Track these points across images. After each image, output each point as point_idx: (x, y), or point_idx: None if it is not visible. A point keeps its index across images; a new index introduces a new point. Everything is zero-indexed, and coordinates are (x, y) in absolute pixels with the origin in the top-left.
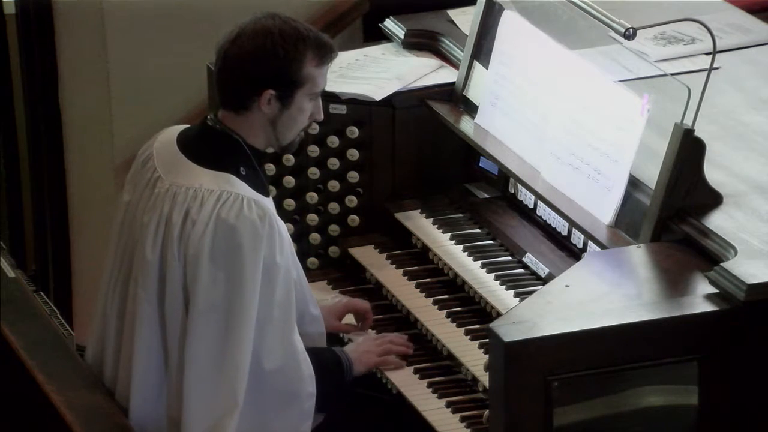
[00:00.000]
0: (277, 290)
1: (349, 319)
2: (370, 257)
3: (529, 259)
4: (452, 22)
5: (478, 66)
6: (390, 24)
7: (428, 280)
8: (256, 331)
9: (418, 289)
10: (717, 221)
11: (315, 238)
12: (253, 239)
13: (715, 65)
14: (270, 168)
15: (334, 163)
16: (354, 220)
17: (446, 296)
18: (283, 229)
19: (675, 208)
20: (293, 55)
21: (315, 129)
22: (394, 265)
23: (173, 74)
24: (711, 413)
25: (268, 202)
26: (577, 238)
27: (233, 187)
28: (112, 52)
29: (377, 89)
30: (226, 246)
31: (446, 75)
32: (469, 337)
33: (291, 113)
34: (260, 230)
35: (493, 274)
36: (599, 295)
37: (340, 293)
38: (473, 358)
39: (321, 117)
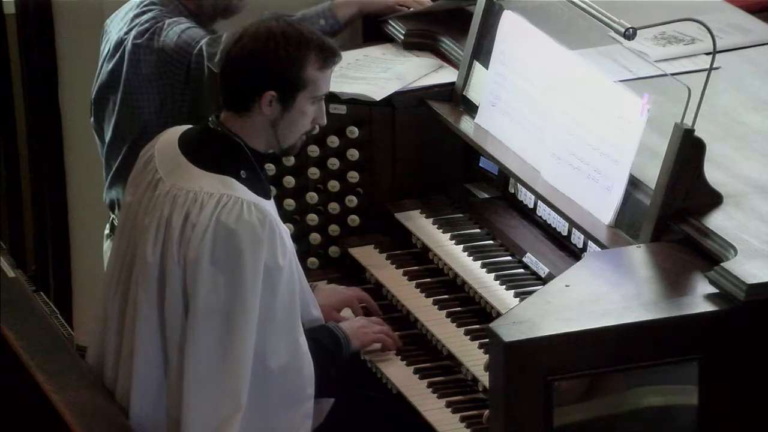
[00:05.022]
0: (279, 292)
1: (346, 311)
2: (370, 257)
3: (529, 259)
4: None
5: (478, 66)
6: (390, 24)
7: (428, 280)
8: (260, 333)
9: (418, 289)
10: (717, 221)
11: (315, 238)
12: (253, 243)
13: (715, 65)
14: (270, 168)
15: (334, 163)
16: (354, 220)
17: (446, 296)
18: (285, 231)
19: (675, 208)
20: (295, 58)
21: (315, 129)
22: (394, 265)
23: None
24: (711, 413)
25: (269, 205)
26: (577, 238)
27: (233, 191)
28: None
29: (377, 89)
30: (226, 250)
31: (446, 75)
32: (469, 337)
33: (292, 116)
34: (260, 234)
35: (493, 274)
36: (599, 295)
37: None
38: (473, 358)
39: (324, 121)
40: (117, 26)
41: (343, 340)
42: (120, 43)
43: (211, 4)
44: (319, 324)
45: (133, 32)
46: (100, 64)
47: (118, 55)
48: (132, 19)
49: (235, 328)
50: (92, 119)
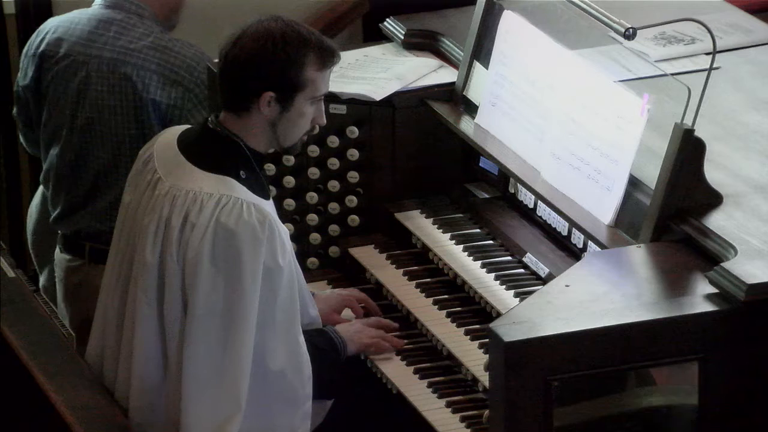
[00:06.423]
0: (280, 292)
1: (347, 312)
2: (370, 257)
3: (529, 259)
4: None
5: (478, 66)
6: (390, 24)
7: (428, 280)
8: (259, 333)
9: (418, 289)
10: (717, 221)
11: (315, 238)
12: (252, 244)
13: (715, 65)
14: (270, 168)
15: (334, 163)
16: (354, 220)
17: (446, 296)
18: (284, 232)
19: (675, 208)
20: (294, 58)
21: (315, 129)
22: (394, 265)
23: None
24: (711, 413)
25: (269, 205)
26: (577, 238)
27: (233, 191)
28: None
29: (377, 89)
30: (226, 251)
31: (446, 75)
32: (469, 337)
33: (291, 116)
34: (260, 234)
35: (493, 274)
36: (599, 295)
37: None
38: (473, 358)
39: (324, 121)
40: (71, 37)
41: (339, 344)
42: (85, 62)
43: (176, 21)
44: (317, 326)
45: (139, 53)
46: (28, 76)
47: (84, 73)
48: (100, 35)
49: (235, 328)
50: (26, 138)
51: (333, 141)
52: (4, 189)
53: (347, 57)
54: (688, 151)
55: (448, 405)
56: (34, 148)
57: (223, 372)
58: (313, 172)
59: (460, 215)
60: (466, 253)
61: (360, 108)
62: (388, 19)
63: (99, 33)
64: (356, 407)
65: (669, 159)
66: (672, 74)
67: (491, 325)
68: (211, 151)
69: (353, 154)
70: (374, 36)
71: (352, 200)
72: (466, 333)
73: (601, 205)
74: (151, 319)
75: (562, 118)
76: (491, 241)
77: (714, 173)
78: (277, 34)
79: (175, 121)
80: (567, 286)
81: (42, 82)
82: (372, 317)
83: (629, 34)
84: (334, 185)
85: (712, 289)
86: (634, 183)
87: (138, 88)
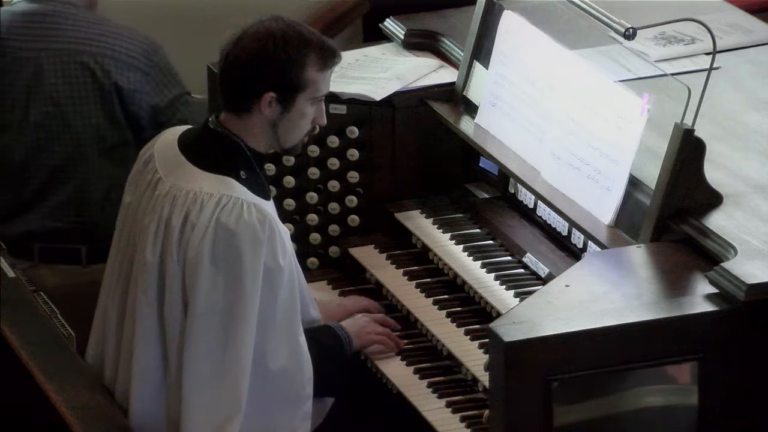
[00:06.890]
0: (280, 292)
1: None
2: (370, 257)
3: (529, 259)
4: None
5: (478, 66)
6: (390, 24)
7: (428, 280)
8: (260, 333)
9: (418, 289)
10: (717, 221)
11: (315, 238)
12: (253, 244)
13: (715, 65)
14: (270, 168)
15: (334, 163)
16: (354, 220)
17: (446, 296)
18: (284, 232)
19: (675, 208)
20: (295, 59)
21: (315, 129)
22: (394, 265)
23: None
24: (711, 413)
25: (269, 206)
26: (577, 238)
27: (233, 191)
28: None
29: (377, 89)
30: (226, 251)
31: (446, 75)
32: (469, 337)
33: (292, 117)
34: (260, 234)
35: (493, 274)
36: (599, 295)
37: (339, 294)
38: (473, 358)
39: (324, 122)
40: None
41: (345, 340)
42: (36, 57)
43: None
44: (319, 325)
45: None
46: None
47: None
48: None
49: (235, 328)
50: None
51: (333, 141)
52: None
53: (347, 57)
54: (688, 151)
55: (448, 405)
56: None
57: (223, 372)
58: (313, 172)
59: (460, 215)
60: (466, 253)
61: (360, 108)
62: (388, 19)
63: (39, 27)
64: (356, 407)
65: (669, 159)
66: (672, 74)
67: (491, 325)
68: (212, 152)
69: (353, 154)
70: (374, 36)
71: (352, 200)
72: (466, 333)
73: (601, 205)
74: (151, 320)
75: (562, 118)
76: (491, 241)
77: (714, 173)
78: (278, 35)
79: (135, 104)
80: (567, 286)
81: None
82: (379, 314)
83: (629, 34)
84: (334, 185)
85: (712, 289)
86: (634, 183)
87: (97, 75)
